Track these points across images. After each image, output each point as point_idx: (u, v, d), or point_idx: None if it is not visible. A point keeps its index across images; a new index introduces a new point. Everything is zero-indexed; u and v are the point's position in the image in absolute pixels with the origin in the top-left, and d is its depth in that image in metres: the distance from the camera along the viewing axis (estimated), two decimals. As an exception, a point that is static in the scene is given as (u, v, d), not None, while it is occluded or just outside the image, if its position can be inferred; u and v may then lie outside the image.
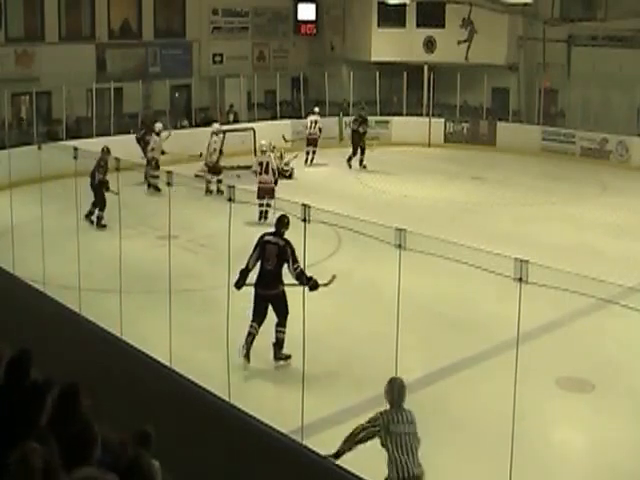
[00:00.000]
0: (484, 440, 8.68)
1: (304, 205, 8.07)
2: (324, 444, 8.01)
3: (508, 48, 28.10)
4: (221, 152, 21.52)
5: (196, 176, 21.23)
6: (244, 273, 10.60)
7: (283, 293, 10.57)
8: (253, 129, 23.53)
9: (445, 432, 9.02)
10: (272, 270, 10.60)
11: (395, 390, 6.78)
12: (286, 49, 30.88)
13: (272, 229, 10.94)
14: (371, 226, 16.70)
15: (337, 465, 6.96)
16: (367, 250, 15.25)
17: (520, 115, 28.31)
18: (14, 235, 13.41)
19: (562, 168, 23.79)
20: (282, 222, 10.69)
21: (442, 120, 28.38)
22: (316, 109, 25.90)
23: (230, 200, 8.94)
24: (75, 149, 11.53)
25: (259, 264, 10.70)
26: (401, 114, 28.42)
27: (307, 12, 31.08)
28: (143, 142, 22.42)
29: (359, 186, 22.11)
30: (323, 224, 9.68)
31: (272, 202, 17.32)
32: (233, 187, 9.03)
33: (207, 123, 25.17)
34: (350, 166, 24.21)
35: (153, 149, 21.17)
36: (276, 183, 18.28)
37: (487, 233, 16.21)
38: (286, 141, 24.58)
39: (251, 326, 10.61)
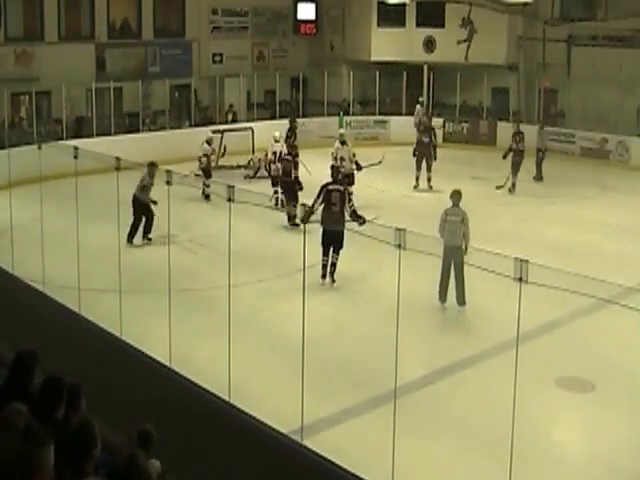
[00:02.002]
0: (484, 440, 8.67)
1: (303, 205, 8.08)
2: (324, 444, 8.02)
3: (508, 48, 28.08)
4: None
5: (196, 175, 21.24)
6: (309, 212, 12.67)
7: (343, 231, 13.33)
8: (252, 129, 23.53)
9: (445, 432, 9.02)
10: (338, 211, 13.60)
11: (453, 198, 13.07)
12: (286, 49, 30.87)
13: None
14: (371, 226, 16.69)
15: (336, 465, 6.96)
16: (367, 250, 15.27)
17: (520, 115, 28.29)
18: (14, 235, 13.41)
19: (562, 168, 23.75)
20: (337, 171, 14.77)
21: (442, 120, 28.36)
22: (421, 99, 27.39)
23: (229, 200, 8.94)
24: (75, 149, 11.52)
25: (324, 207, 13.55)
26: (400, 114, 28.40)
27: (307, 12, 31.06)
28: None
29: (358, 185, 22.04)
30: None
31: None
32: (232, 187, 9.02)
33: (207, 123, 25.21)
34: (430, 186, 21.65)
35: (206, 156, 20.17)
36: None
37: (487, 233, 16.18)
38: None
39: (323, 259, 13.55)
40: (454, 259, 12.35)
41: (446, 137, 28.23)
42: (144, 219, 15.84)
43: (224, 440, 7.43)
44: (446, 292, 12.59)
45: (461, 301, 12.53)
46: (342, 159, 18.14)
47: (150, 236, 15.92)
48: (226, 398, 8.25)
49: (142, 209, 15.79)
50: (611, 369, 10.63)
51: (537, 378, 9.76)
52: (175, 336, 9.68)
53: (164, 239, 13.01)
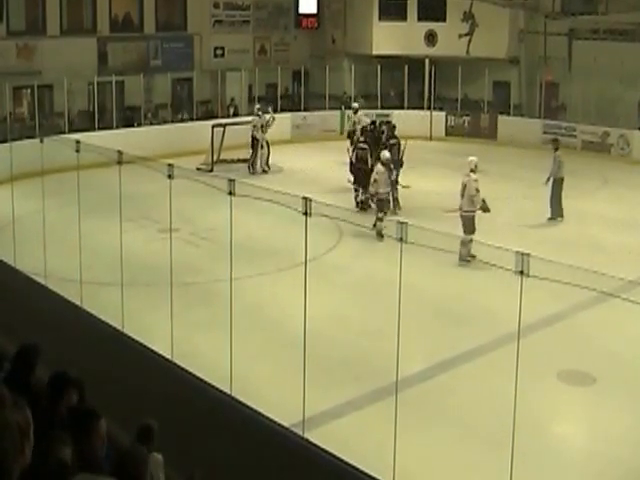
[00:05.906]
0: (485, 432, 8.70)
1: (305, 198, 8.07)
2: (325, 437, 8.05)
3: (509, 41, 28.04)
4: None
5: (198, 169, 21.23)
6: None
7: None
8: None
9: (446, 424, 9.04)
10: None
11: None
12: (287, 42, 30.84)
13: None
14: (372, 219, 16.66)
15: (338, 457, 6.99)
16: (368, 243, 15.29)
17: (521, 109, 28.28)
18: (15, 228, 13.45)
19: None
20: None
21: (443, 113, 28.35)
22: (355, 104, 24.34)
23: (230, 194, 8.96)
24: (77, 142, 11.53)
25: None
26: (402, 107, 28.39)
27: (308, 5, 31.02)
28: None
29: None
30: (325, 217, 9.77)
31: None
32: (233, 180, 9.04)
33: (209, 117, 25.15)
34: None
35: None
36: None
37: (488, 226, 16.20)
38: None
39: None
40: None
41: (447, 130, 28.27)
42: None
43: (226, 433, 7.46)
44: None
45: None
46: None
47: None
48: (228, 391, 8.28)
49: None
50: (612, 362, 10.64)
51: (538, 371, 9.77)
52: (177, 329, 9.70)
53: (166, 232, 13.03)
